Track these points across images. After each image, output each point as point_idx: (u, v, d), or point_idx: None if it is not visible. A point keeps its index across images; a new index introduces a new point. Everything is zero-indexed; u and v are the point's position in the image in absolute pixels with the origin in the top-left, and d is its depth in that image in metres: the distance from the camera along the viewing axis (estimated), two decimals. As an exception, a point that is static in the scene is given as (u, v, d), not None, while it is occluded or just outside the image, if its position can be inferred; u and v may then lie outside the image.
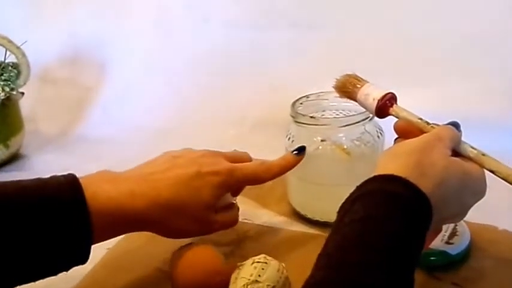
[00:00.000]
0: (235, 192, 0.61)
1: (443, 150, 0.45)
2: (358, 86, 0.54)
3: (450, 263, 0.55)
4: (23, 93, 0.89)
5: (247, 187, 0.62)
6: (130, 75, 1.02)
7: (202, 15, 0.99)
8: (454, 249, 0.55)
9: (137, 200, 0.50)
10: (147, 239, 0.60)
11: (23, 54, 0.87)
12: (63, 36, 1.06)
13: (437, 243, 0.55)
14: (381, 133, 0.64)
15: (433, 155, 0.44)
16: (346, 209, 0.42)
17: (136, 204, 0.50)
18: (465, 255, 0.56)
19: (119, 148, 0.88)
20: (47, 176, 0.50)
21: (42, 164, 0.87)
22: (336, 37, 0.91)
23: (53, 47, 1.05)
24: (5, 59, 0.89)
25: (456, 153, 0.48)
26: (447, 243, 0.56)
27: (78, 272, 0.51)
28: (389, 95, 0.52)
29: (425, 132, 0.49)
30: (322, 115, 0.66)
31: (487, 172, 0.48)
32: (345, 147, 0.62)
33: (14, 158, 0.90)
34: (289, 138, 0.64)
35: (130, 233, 0.58)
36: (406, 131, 0.50)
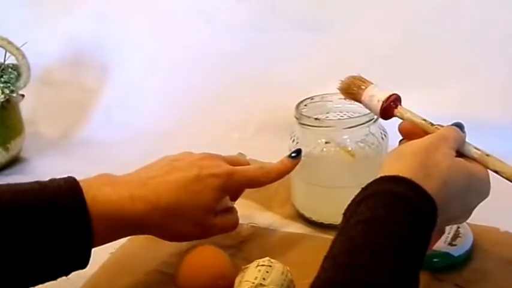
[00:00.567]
0: (234, 196, 0.61)
1: (447, 151, 0.46)
2: (363, 87, 0.53)
3: (453, 265, 0.55)
4: (23, 96, 0.89)
5: (251, 190, 0.61)
6: (132, 77, 1.02)
7: (205, 17, 0.99)
8: (456, 251, 0.55)
9: (137, 203, 0.50)
10: (149, 243, 0.60)
11: (23, 56, 0.86)
12: (64, 37, 1.05)
13: (440, 244, 0.55)
14: (385, 135, 0.64)
15: (437, 156, 0.44)
16: (352, 210, 0.42)
17: (136, 208, 0.50)
18: (468, 257, 0.56)
19: (120, 151, 0.88)
20: (47, 179, 0.50)
21: (43, 168, 0.87)
22: (340, 39, 0.91)
23: (54, 49, 1.05)
24: (4, 61, 0.88)
25: (460, 154, 0.48)
26: (450, 244, 0.56)
27: (79, 276, 0.51)
28: (394, 96, 0.52)
29: (429, 133, 0.49)
30: (327, 117, 0.65)
31: (489, 173, 0.48)
32: (350, 149, 0.62)
33: (14, 162, 0.89)
34: (293, 140, 0.64)
35: (132, 237, 0.58)
36: (411, 132, 0.50)
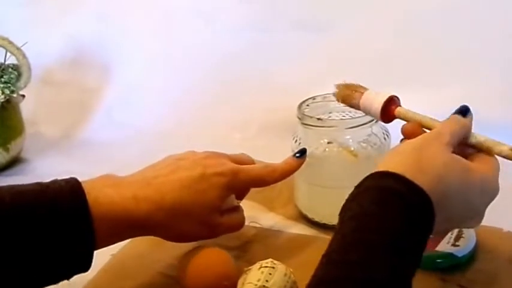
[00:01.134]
0: (240, 196, 0.60)
1: (442, 147, 0.45)
2: (357, 96, 0.53)
3: (456, 265, 0.55)
4: (23, 96, 0.88)
5: (254, 191, 0.61)
6: (133, 77, 1.01)
7: (206, 17, 0.99)
8: (460, 251, 0.55)
9: (141, 204, 0.50)
10: (151, 245, 0.60)
11: (24, 56, 0.86)
12: (65, 37, 1.05)
13: (443, 245, 0.55)
14: (387, 135, 0.63)
15: (431, 152, 0.44)
16: (345, 208, 0.42)
17: (140, 209, 0.50)
18: (471, 257, 0.56)
19: (121, 151, 0.88)
20: (48, 180, 0.49)
21: (44, 168, 0.87)
22: (341, 39, 0.91)
23: (55, 49, 1.04)
24: (5, 61, 0.88)
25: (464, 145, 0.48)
26: (453, 245, 0.56)
27: (81, 278, 0.50)
28: (392, 97, 0.52)
29: (431, 129, 0.49)
30: (329, 117, 0.65)
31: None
32: (352, 149, 0.62)
33: (14, 162, 0.89)
34: (295, 141, 0.64)
35: (134, 239, 0.58)
36: (412, 133, 0.50)
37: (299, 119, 0.63)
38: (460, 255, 0.55)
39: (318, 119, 0.62)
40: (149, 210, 0.50)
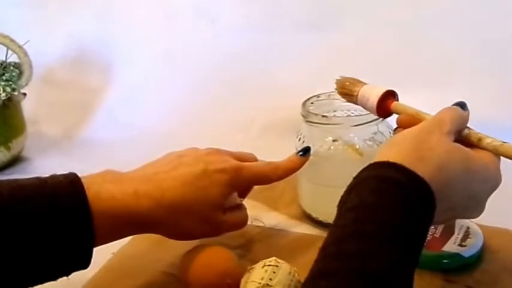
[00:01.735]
0: (243, 193, 0.60)
1: (443, 135, 0.44)
2: (355, 90, 0.53)
3: (463, 266, 0.54)
4: (25, 94, 0.88)
5: (257, 190, 0.61)
6: (135, 77, 1.02)
7: (209, 17, 0.99)
8: (467, 252, 0.55)
9: (142, 200, 0.49)
10: (153, 243, 0.59)
11: (25, 54, 0.86)
12: (67, 36, 1.05)
13: (450, 245, 0.55)
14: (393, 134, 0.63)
15: (431, 140, 0.43)
16: (343, 200, 0.41)
17: (140, 205, 0.49)
18: (478, 258, 0.55)
19: (123, 151, 0.87)
20: None
21: (45, 167, 0.85)
22: (342, 39, 0.91)
23: (56, 48, 1.05)
24: (6, 59, 0.88)
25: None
26: (460, 245, 0.55)
27: (81, 277, 0.50)
28: (389, 93, 0.52)
29: None
30: (334, 115, 0.65)
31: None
32: (357, 147, 0.61)
33: (15, 161, 0.89)
34: (299, 139, 0.63)
35: (135, 237, 0.57)
36: (408, 123, 0.49)
37: (303, 116, 0.62)
38: (467, 255, 0.54)
39: (323, 116, 0.61)
40: (150, 207, 0.49)
